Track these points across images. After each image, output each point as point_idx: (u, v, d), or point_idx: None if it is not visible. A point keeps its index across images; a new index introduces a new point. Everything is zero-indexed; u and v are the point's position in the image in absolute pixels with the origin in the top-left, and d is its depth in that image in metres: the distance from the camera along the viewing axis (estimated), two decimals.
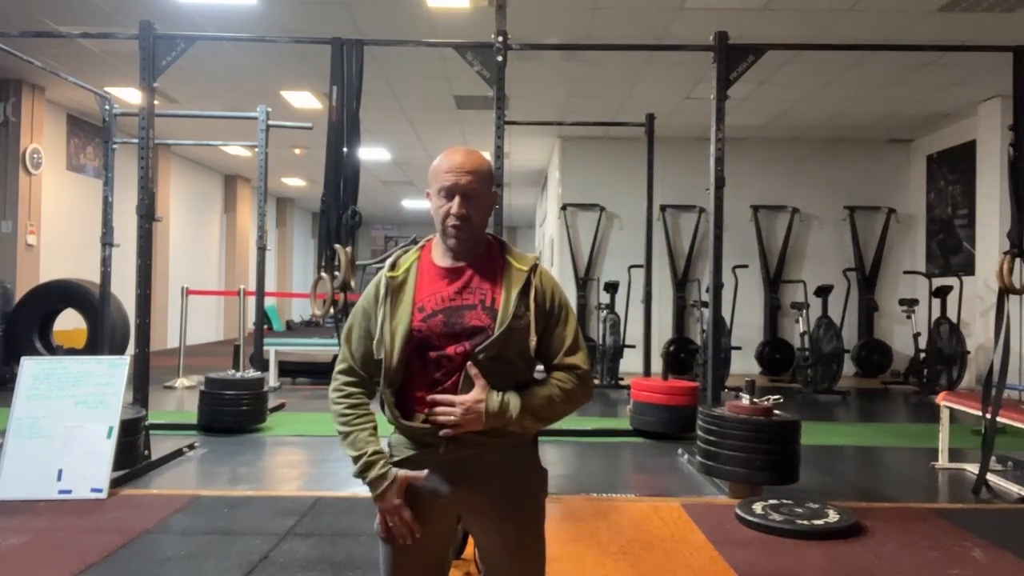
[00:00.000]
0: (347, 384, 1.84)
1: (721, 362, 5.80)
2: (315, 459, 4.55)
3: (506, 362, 1.76)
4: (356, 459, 1.74)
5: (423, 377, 1.77)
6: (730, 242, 4.83)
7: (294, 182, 14.48)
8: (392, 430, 1.81)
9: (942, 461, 4.47)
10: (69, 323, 8.20)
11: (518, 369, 1.79)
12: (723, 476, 3.65)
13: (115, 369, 3.72)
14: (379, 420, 1.73)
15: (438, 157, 1.85)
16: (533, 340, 1.77)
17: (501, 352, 1.74)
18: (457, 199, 1.78)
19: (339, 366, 1.86)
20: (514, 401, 1.74)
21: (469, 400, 1.71)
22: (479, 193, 1.81)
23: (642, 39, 6.13)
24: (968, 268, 8.34)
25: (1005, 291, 3.86)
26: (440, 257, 1.85)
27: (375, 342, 1.80)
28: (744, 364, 8.87)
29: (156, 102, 4.26)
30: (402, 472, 1.73)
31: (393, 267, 1.84)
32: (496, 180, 4.26)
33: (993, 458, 3.95)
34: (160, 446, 4.30)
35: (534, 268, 1.83)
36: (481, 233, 1.86)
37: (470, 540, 2.04)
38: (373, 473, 1.72)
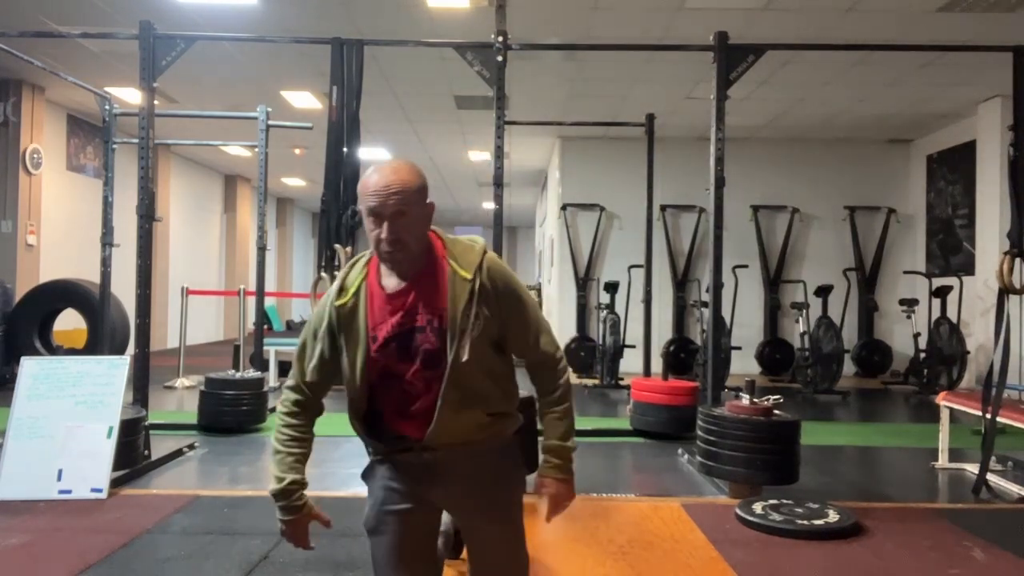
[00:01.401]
0: (294, 404, 1.91)
1: (721, 362, 5.80)
2: (315, 459, 4.52)
3: (476, 375, 1.76)
4: (278, 480, 1.90)
5: (389, 399, 1.82)
6: (730, 242, 4.83)
7: (294, 182, 14.48)
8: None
9: (942, 461, 4.47)
10: (69, 323, 8.20)
11: (496, 370, 1.82)
12: (723, 476, 3.65)
13: (115, 369, 3.72)
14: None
15: (366, 174, 1.78)
16: (477, 347, 1.75)
17: (467, 372, 1.74)
18: (386, 224, 1.72)
19: (289, 382, 1.90)
20: (569, 451, 1.86)
21: (564, 499, 1.84)
22: (409, 211, 1.74)
23: (642, 39, 6.13)
24: (968, 268, 8.34)
25: (1005, 291, 3.86)
26: (385, 277, 1.81)
27: (342, 371, 1.82)
28: (744, 364, 8.87)
29: (156, 102, 4.26)
30: (312, 511, 1.93)
31: (340, 292, 1.80)
32: (496, 180, 4.27)
33: (993, 458, 3.95)
34: (160, 446, 4.30)
35: (478, 270, 1.79)
36: (420, 248, 1.79)
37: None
38: (287, 502, 1.91)
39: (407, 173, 1.76)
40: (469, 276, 1.78)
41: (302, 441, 1.93)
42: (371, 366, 1.79)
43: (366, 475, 1.96)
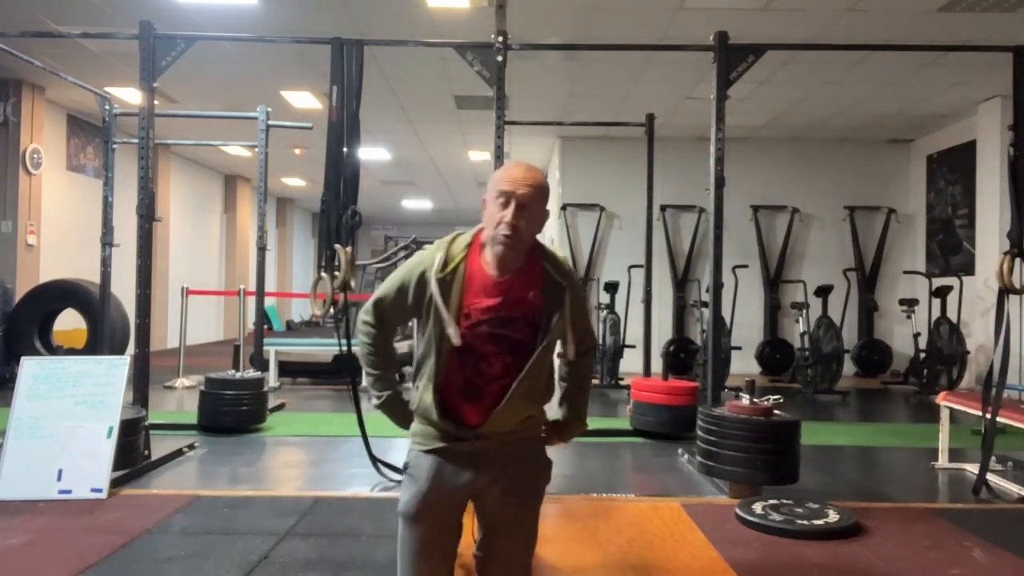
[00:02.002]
0: (372, 326, 2.03)
1: (721, 362, 5.80)
2: (315, 459, 4.55)
3: (545, 368, 1.98)
4: (378, 398, 2.05)
5: (458, 376, 1.94)
6: (730, 242, 4.83)
7: (294, 182, 14.48)
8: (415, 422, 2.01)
9: (942, 461, 4.47)
10: (69, 323, 8.20)
11: (550, 368, 2.02)
12: (723, 476, 3.65)
13: (115, 369, 3.72)
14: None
15: (501, 168, 1.97)
16: (571, 348, 2.01)
17: (544, 365, 1.96)
18: (512, 207, 1.88)
19: (365, 313, 2.03)
20: (578, 425, 2.14)
21: (568, 439, 2.14)
22: (534, 206, 1.90)
23: (642, 39, 6.13)
24: (968, 268, 8.34)
25: (1005, 291, 3.86)
26: (487, 263, 1.94)
27: (425, 341, 1.95)
28: (744, 364, 8.87)
29: (156, 102, 4.26)
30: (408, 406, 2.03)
31: (443, 266, 1.92)
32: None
33: (993, 458, 3.95)
34: (160, 446, 4.30)
35: (568, 279, 1.98)
36: (528, 244, 1.95)
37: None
38: (389, 412, 2.07)
39: (540, 175, 1.95)
40: (563, 281, 1.96)
41: (387, 359, 2.08)
42: (450, 344, 1.90)
43: (410, 465, 2.03)
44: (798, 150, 9.76)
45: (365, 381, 2.13)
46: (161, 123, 7.06)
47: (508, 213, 1.87)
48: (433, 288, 1.90)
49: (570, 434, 2.15)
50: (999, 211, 7.43)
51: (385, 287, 2.02)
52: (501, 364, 1.93)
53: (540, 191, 1.92)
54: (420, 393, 1.97)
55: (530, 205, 1.89)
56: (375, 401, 2.07)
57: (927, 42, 5.73)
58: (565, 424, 2.14)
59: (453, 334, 1.89)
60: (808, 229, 9.78)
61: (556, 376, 2.13)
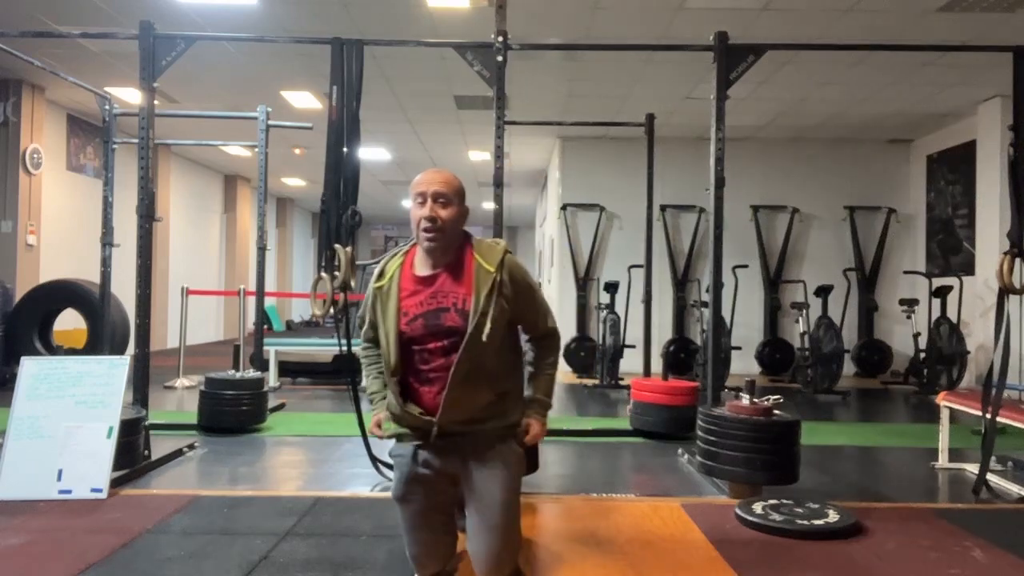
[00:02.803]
0: (367, 342, 2.36)
1: (721, 362, 5.81)
2: (315, 459, 4.55)
3: (488, 352, 2.11)
4: (368, 393, 2.35)
5: (412, 368, 2.18)
6: (730, 242, 4.83)
7: (294, 182, 14.48)
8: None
9: (942, 461, 4.47)
10: (69, 323, 8.20)
11: (503, 352, 2.19)
12: (723, 476, 3.65)
13: (115, 369, 3.71)
14: None
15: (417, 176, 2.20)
16: (493, 331, 2.10)
17: (480, 349, 2.10)
18: (429, 203, 2.12)
19: (363, 337, 2.38)
20: (547, 396, 2.33)
21: (541, 433, 2.28)
22: (450, 200, 2.14)
23: (642, 39, 6.13)
24: (968, 268, 8.34)
25: (1005, 291, 3.86)
26: (419, 266, 2.20)
27: (380, 340, 2.21)
28: (744, 364, 8.87)
29: (156, 102, 4.26)
30: (381, 415, 2.28)
31: (379, 276, 2.21)
32: (496, 180, 4.27)
33: (993, 458, 3.95)
34: (160, 446, 4.30)
35: (500, 265, 2.16)
36: (453, 237, 2.17)
37: None
38: (373, 408, 2.33)
39: (451, 175, 2.20)
40: (492, 269, 2.14)
41: (378, 364, 2.33)
42: (400, 337, 2.15)
43: (394, 452, 2.30)
44: (798, 150, 9.76)
45: (368, 389, 2.38)
46: (161, 123, 7.06)
47: (425, 209, 2.11)
48: (371, 296, 2.21)
49: (539, 431, 2.29)
50: (999, 211, 7.43)
51: (362, 314, 2.33)
52: (441, 351, 2.14)
53: (451, 186, 2.16)
54: (388, 390, 2.24)
55: (444, 197, 2.13)
56: (368, 393, 2.36)
57: (927, 42, 5.72)
58: (529, 402, 2.30)
59: (391, 333, 2.15)
60: (808, 229, 9.78)
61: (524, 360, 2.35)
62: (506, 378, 2.23)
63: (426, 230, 2.12)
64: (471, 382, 2.13)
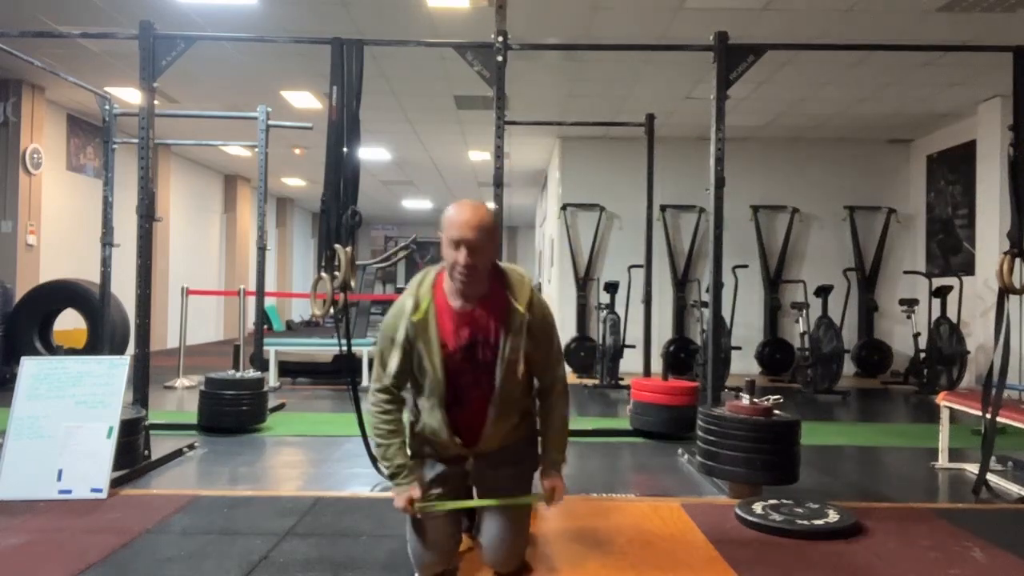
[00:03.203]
0: (385, 402, 2.36)
1: (721, 362, 5.80)
2: (315, 459, 4.55)
3: (516, 385, 2.30)
4: (388, 468, 2.37)
5: (451, 396, 2.32)
6: (730, 242, 4.83)
7: (294, 182, 14.48)
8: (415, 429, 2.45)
9: (942, 461, 4.46)
10: (69, 323, 8.20)
11: (522, 384, 2.34)
12: (723, 476, 3.65)
13: (115, 369, 3.71)
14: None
15: (450, 209, 2.24)
16: (521, 367, 2.29)
17: (512, 385, 2.30)
18: (464, 251, 2.17)
19: (375, 385, 2.37)
20: (561, 455, 2.48)
21: (562, 492, 2.46)
22: (484, 245, 2.19)
23: (642, 39, 6.13)
24: (968, 268, 8.34)
25: (1005, 291, 3.86)
26: (452, 297, 2.29)
27: (419, 370, 2.31)
28: (744, 364, 8.87)
29: (156, 102, 4.26)
30: (414, 491, 2.33)
31: (415, 309, 2.26)
32: (496, 180, 4.27)
33: (993, 458, 3.95)
34: (160, 446, 4.30)
35: (529, 306, 2.27)
36: (486, 275, 2.26)
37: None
38: (398, 482, 2.35)
39: (485, 213, 2.22)
40: (523, 310, 2.26)
41: (397, 431, 2.38)
42: (445, 367, 2.28)
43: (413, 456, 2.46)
44: (798, 150, 9.76)
45: (375, 451, 2.43)
46: (161, 123, 7.06)
47: (460, 256, 2.17)
48: (409, 328, 2.26)
49: (555, 473, 2.45)
50: (999, 211, 7.43)
51: (383, 361, 2.33)
52: (474, 383, 2.32)
53: (486, 231, 2.20)
54: (425, 416, 2.34)
55: (479, 245, 2.18)
56: (386, 469, 2.39)
57: (927, 42, 5.72)
58: (546, 462, 2.46)
59: (437, 365, 2.25)
60: (808, 229, 9.78)
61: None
62: (525, 397, 2.42)
63: (461, 276, 2.20)
64: (504, 413, 2.33)
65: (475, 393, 2.32)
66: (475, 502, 2.50)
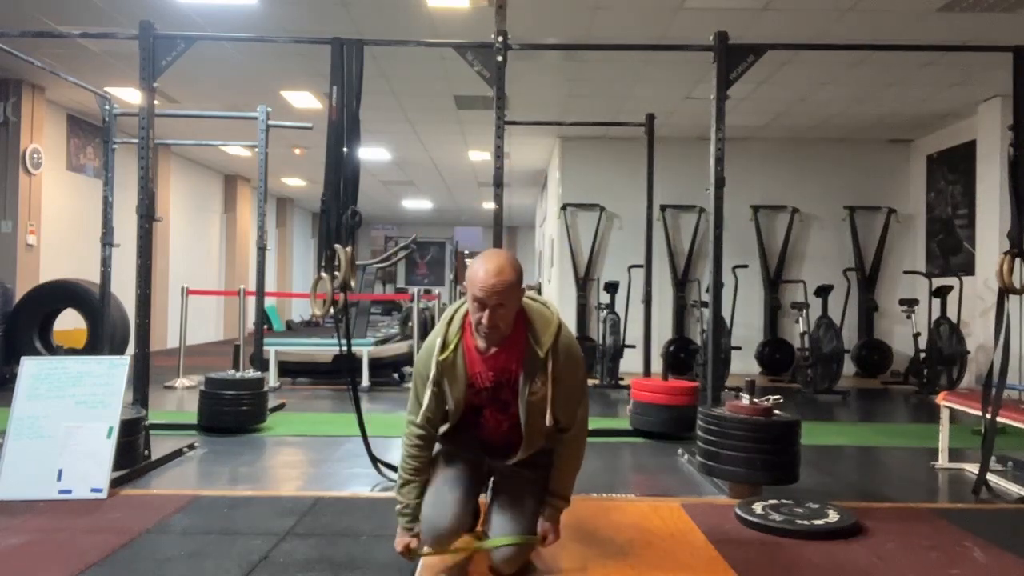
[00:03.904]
0: (419, 438, 2.45)
1: (721, 362, 5.80)
2: (315, 459, 4.55)
3: (539, 420, 2.35)
4: (400, 504, 2.46)
5: (474, 426, 2.52)
6: (730, 242, 4.83)
7: (294, 182, 14.48)
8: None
9: (942, 461, 4.46)
10: (69, 323, 8.20)
11: (543, 427, 2.38)
12: (723, 476, 3.64)
13: (115, 369, 3.71)
14: None
15: (476, 262, 2.29)
16: (548, 417, 2.34)
17: (535, 426, 2.37)
18: (488, 313, 2.23)
19: (411, 418, 2.46)
20: (564, 497, 2.56)
21: (554, 538, 2.52)
22: (507, 303, 2.24)
23: (642, 39, 6.13)
24: (968, 268, 8.34)
25: (1005, 291, 3.86)
26: (478, 339, 2.35)
27: (448, 404, 2.41)
28: (744, 364, 8.87)
29: (156, 102, 4.26)
30: (414, 541, 2.42)
31: (443, 349, 2.35)
32: (496, 180, 4.27)
33: (993, 458, 3.95)
34: (160, 446, 4.29)
35: (552, 349, 2.33)
36: (510, 327, 2.31)
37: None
38: (405, 524, 2.44)
39: (510, 273, 2.25)
40: (543, 354, 2.32)
41: (422, 471, 2.48)
42: (467, 403, 2.41)
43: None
44: (798, 150, 9.76)
45: (397, 481, 2.51)
46: (161, 123, 7.06)
47: (484, 316, 2.23)
48: (436, 368, 2.35)
49: (554, 518, 2.52)
50: (999, 211, 7.43)
51: (418, 397, 2.41)
52: (499, 420, 2.46)
53: (509, 289, 2.22)
54: (451, 432, 2.52)
55: (502, 303, 2.22)
56: (400, 505, 2.46)
57: (927, 42, 5.72)
58: (549, 502, 2.51)
59: (460, 402, 2.37)
60: (808, 229, 9.78)
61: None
62: (551, 431, 2.45)
63: (486, 333, 2.27)
64: (530, 445, 2.46)
65: (502, 427, 2.46)
66: (474, 547, 2.56)
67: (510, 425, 2.45)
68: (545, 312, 2.44)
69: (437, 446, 2.54)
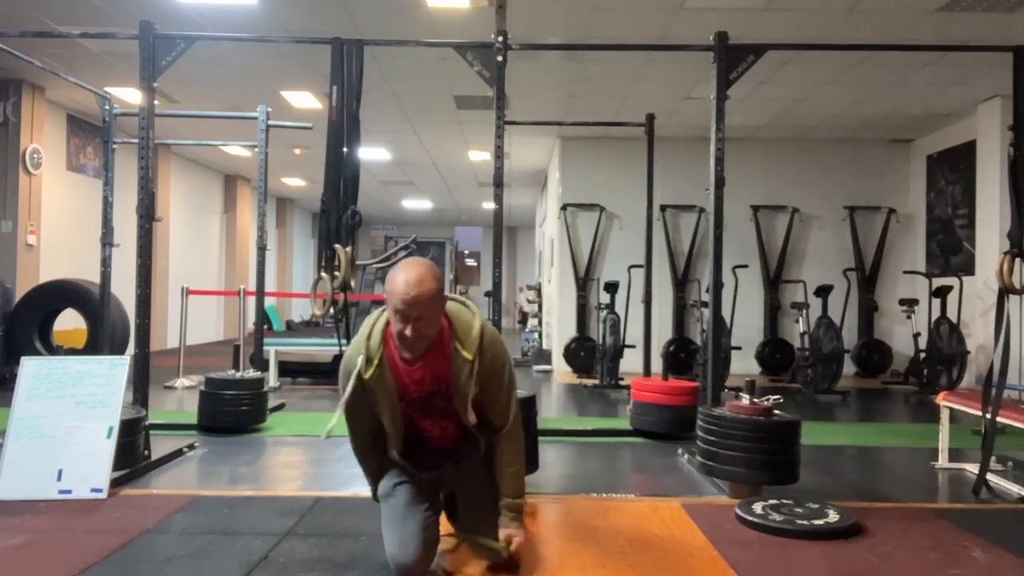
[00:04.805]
0: (354, 445, 2.59)
1: (721, 362, 5.79)
2: (315, 459, 4.54)
3: (475, 419, 2.42)
4: (372, 486, 2.64)
5: (411, 436, 2.49)
6: (730, 242, 4.83)
7: (294, 182, 14.48)
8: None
9: (942, 461, 4.46)
10: (69, 323, 8.20)
11: (482, 413, 2.46)
12: (723, 476, 3.64)
13: (115, 369, 3.71)
14: None
15: (395, 273, 2.23)
16: (472, 416, 2.38)
17: (471, 424, 2.42)
18: (411, 325, 2.19)
19: (350, 437, 2.55)
20: (516, 500, 2.49)
21: (519, 538, 2.48)
22: (428, 313, 2.20)
23: (642, 39, 6.13)
24: (968, 268, 8.34)
25: (1005, 291, 3.86)
26: (401, 350, 2.30)
27: (381, 418, 2.40)
28: (744, 364, 8.87)
29: (156, 102, 4.26)
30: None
31: (367, 365, 2.29)
32: (496, 180, 4.26)
33: (993, 458, 3.95)
34: (160, 446, 4.30)
35: (478, 351, 2.30)
36: (434, 335, 2.27)
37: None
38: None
39: (430, 282, 2.19)
40: (470, 357, 2.29)
41: (375, 470, 2.60)
42: (402, 417, 2.39)
43: (382, 490, 2.61)
44: (798, 150, 9.76)
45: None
46: (161, 123, 7.06)
47: (408, 328, 2.19)
48: (366, 386, 2.31)
49: (519, 539, 2.48)
50: (999, 211, 7.43)
51: (347, 414, 2.46)
52: (437, 427, 2.46)
53: (430, 299, 2.19)
54: (389, 453, 2.52)
55: (423, 315, 2.19)
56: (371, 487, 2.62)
57: (927, 42, 5.72)
58: (504, 509, 2.48)
59: (396, 417, 2.37)
60: (808, 229, 9.78)
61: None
62: (485, 425, 2.49)
63: (408, 344, 2.23)
64: (468, 447, 2.50)
65: (448, 432, 2.47)
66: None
67: (456, 427, 2.44)
68: (466, 314, 2.38)
69: (387, 480, 2.57)
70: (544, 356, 10.04)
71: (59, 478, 3.41)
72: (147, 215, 4.13)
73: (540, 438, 4.05)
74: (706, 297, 4.95)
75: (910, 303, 8.08)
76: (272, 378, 7.27)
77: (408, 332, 2.19)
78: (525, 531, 2.53)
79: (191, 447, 4.56)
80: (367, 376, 2.27)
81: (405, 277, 2.18)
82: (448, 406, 2.38)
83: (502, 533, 2.45)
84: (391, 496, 2.49)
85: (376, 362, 2.28)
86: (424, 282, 2.18)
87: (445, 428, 2.46)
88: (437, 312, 2.24)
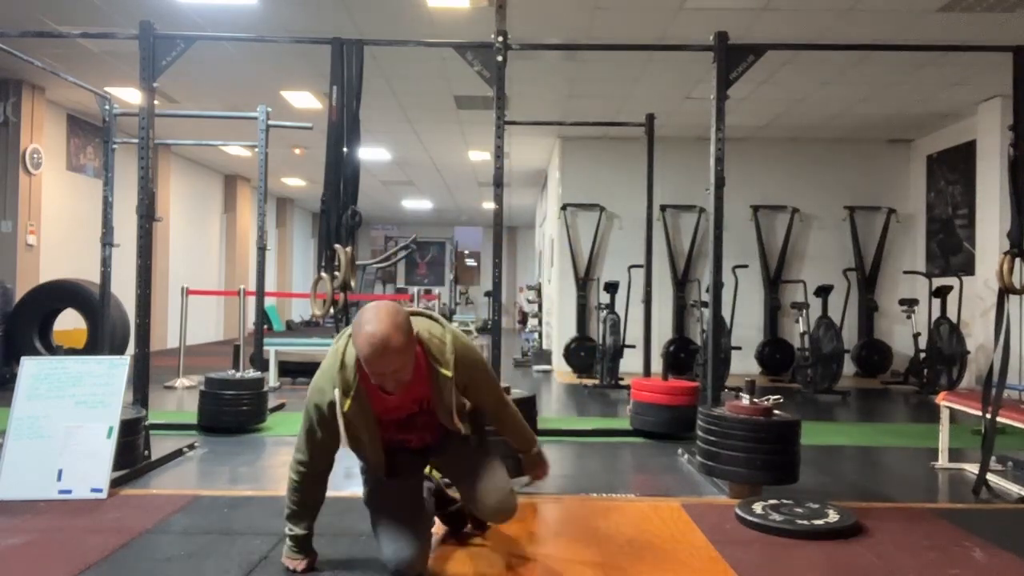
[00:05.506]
0: (302, 476, 2.45)
1: (721, 362, 5.80)
2: None
3: (457, 428, 2.43)
4: (289, 533, 2.51)
5: (393, 451, 2.51)
6: (730, 242, 4.83)
7: (294, 182, 14.47)
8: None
9: (942, 461, 4.47)
10: (69, 323, 8.20)
11: (471, 420, 2.55)
12: (723, 476, 3.65)
13: (115, 369, 3.71)
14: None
15: (360, 333, 2.14)
16: (457, 422, 2.40)
17: (458, 435, 2.50)
18: (386, 379, 2.20)
19: (299, 456, 2.43)
20: (531, 444, 2.70)
21: (543, 465, 2.74)
22: (401, 363, 2.18)
23: (642, 39, 6.13)
24: (968, 268, 8.34)
25: (1005, 291, 3.86)
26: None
27: (358, 443, 2.38)
28: (744, 364, 8.87)
29: (156, 102, 4.26)
30: (300, 564, 2.49)
31: (344, 398, 2.26)
32: (496, 180, 4.26)
33: (993, 458, 3.95)
34: (160, 446, 4.30)
35: (456, 368, 2.34)
36: (411, 371, 2.24)
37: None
38: (291, 553, 2.51)
39: (396, 338, 2.12)
40: (450, 374, 2.33)
41: (309, 507, 2.51)
42: (382, 443, 2.41)
43: (367, 492, 2.64)
44: (798, 150, 9.76)
45: (285, 511, 2.51)
46: (161, 123, 7.06)
47: (383, 383, 2.21)
48: (342, 418, 2.26)
49: (535, 462, 2.68)
50: (999, 211, 7.43)
51: (308, 435, 2.39)
52: (419, 436, 2.53)
53: (398, 355, 2.14)
54: (370, 471, 2.54)
55: (396, 368, 2.17)
56: (288, 531, 2.50)
57: (927, 42, 5.72)
58: (525, 459, 2.67)
59: (375, 442, 2.38)
60: (808, 229, 9.78)
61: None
62: (473, 417, 2.55)
63: (388, 388, 2.26)
64: (451, 437, 2.55)
65: (421, 439, 2.57)
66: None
67: (437, 429, 2.52)
68: (436, 329, 2.38)
69: (369, 479, 2.59)
70: (544, 356, 10.04)
71: (59, 478, 3.40)
72: (147, 215, 4.13)
73: (540, 438, 4.04)
74: (706, 297, 4.96)
75: (910, 303, 8.08)
76: (272, 378, 7.28)
77: (387, 385, 2.23)
78: (547, 465, 2.73)
79: (191, 447, 4.56)
80: (344, 410, 2.24)
81: (371, 341, 2.10)
82: (431, 420, 2.45)
83: (528, 471, 2.69)
84: (376, 494, 2.54)
85: (352, 392, 2.26)
86: (390, 341, 2.11)
87: (426, 436, 2.54)
88: (410, 357, 2.20)
